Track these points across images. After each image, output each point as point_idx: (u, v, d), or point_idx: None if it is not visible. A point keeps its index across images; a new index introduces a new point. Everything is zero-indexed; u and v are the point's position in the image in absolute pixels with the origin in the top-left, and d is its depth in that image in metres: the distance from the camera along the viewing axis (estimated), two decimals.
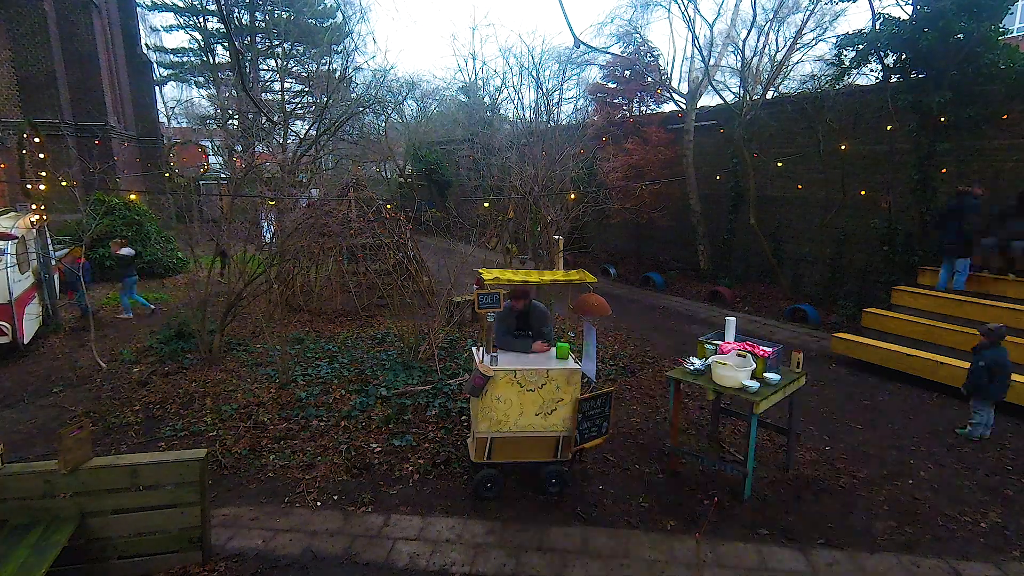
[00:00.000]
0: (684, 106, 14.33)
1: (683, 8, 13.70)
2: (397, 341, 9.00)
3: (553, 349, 5.19)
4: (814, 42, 14.58)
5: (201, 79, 28.74)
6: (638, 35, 15.18)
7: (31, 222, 9.65)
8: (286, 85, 27.52)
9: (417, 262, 12.26)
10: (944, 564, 4.21)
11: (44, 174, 10.07)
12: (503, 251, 16.86)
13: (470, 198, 22.36)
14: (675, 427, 5.36)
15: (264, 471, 5.44)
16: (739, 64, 13.52)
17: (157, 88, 25.40)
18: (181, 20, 27.24)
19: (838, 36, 10.42)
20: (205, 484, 4.05)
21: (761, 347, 5.24)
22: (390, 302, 11.12)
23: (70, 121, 16.03)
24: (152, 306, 11.37)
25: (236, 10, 25.92)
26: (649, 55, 15.22)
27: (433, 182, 23.59)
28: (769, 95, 13.43)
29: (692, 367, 5.25)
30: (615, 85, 15.80)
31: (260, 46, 26.63)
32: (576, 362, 5.22)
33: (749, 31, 13.20)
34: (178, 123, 28.41)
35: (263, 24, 26.73)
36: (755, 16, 12.85)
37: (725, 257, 13.97)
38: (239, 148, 19.96)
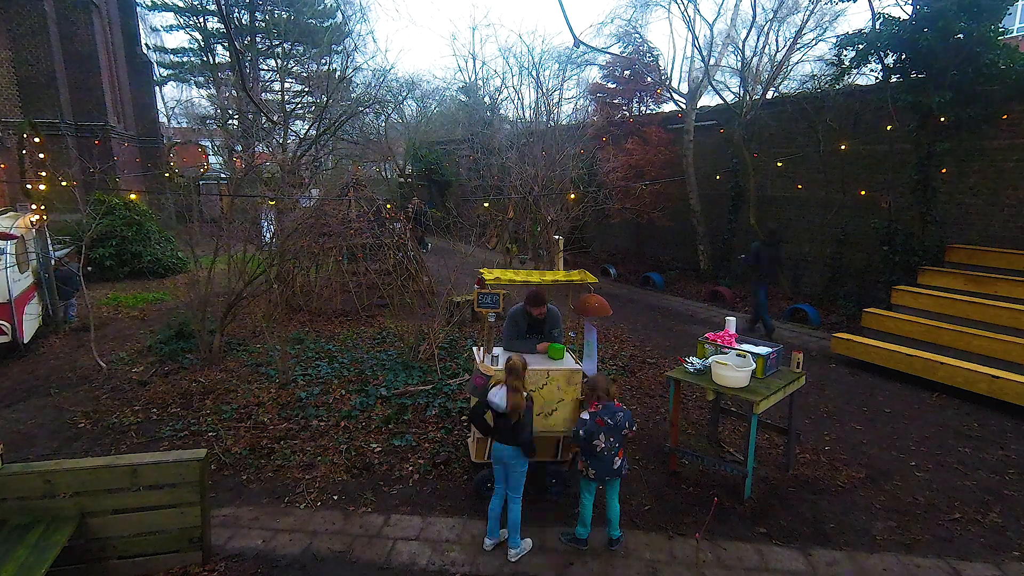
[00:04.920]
0: (684, 106, 14.32)
1: (683, 8, 13.70)
2: (397, 341, 9.00)
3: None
4: (814, 42, 14.53)
5: (201, 79, 28.72)
6: (638, 35, 15.17)
7: (31, 222, 9.65)
8: (286, 85, 27.50)
9: (417, 262, 12.27)
10: (944, 564, 4.21)
11: (44, 174, 10.08)
12: (503, 251, 16.87)
13: (470, 198, 22.36)
14: (675, 427, 5.35)
15: (264, 471, 5.44)
16: (739, 64, 13.51)
17: (157, 88, 25.42)
18: (181, 20, 27.24)
19: (838, 36, 10.41)
20: (205, 484, 4.06)
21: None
22: (390, 302, 11.13)
23: (70, 121, 16.04)
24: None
25: (236, 10, 25.92)
26: (649, 55, 15.20)
27: (433, 182, 23.60)
28: (769, 95, 13.41)
29: (692, 367, 5.25)
30: (615, 85, 15.79)
31: (260, 46, 26.62)
32: (576, 362, 5.22)
33: (749, 31, 13.20)
34: (178, 123, 28.40)
35: (263, 24, 26.72)
36: (755, 16, 12.84)
37: (725, 257, 13.97)
38: (239, 148, 19.97)
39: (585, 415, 4.20)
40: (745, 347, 5.31)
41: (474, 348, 5.69)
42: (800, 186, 12.01)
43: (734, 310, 11.63)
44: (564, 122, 18.18)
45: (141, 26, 23.81)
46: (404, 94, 25.43)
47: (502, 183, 16.07)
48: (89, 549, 3.93)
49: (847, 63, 10.13)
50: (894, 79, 9.76)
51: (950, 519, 4.75)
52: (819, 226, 11.90)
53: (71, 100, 16.20)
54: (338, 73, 21.24)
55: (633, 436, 4.14)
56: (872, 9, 9.82)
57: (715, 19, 16.97)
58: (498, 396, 4.19)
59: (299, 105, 26.76)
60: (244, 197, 12.25)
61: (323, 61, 25.92)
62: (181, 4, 26.44)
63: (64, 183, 10.13)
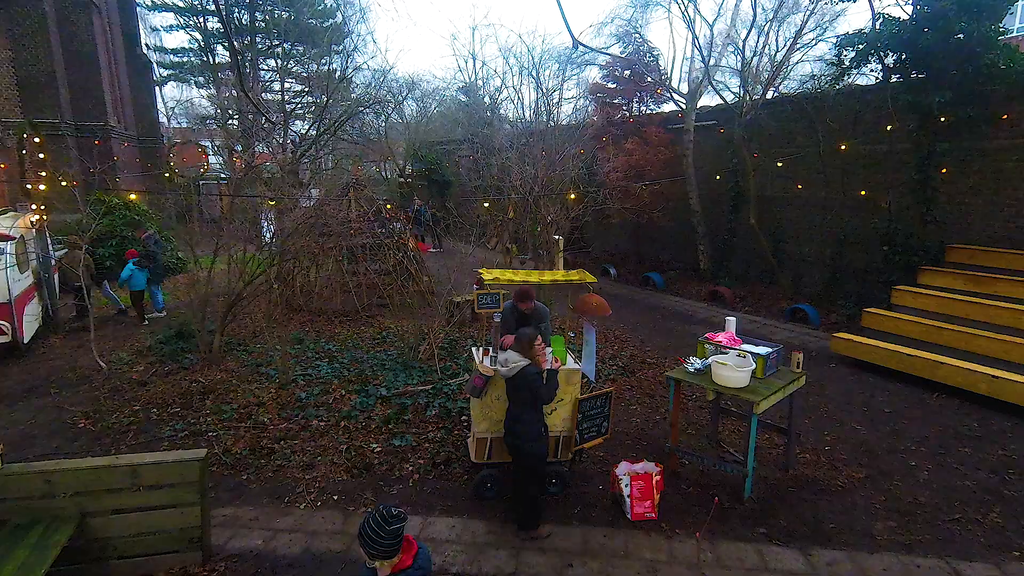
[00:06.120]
0: (684, 106, 14.32)
1: (683, 8, 13.70)
2: (397, 341, 9.00)
3: (549, 349, 5.19)
4: (814, 42, 14.50)
5: (201, 79, 28.71)
6: (638, 35, 15.16)
7: (31, 222, 9.65)
8: (286, 85, 27.48)
9: (417, 262, 12.26)
10: (944, 564, 4.21)
11: (44, 174, 10.07)
12: (503, 251, 16.86)
13: (470, 198, 22.35)
14: (675, 427, 5.35)
15: (264, 471, 5.44)
16: (739, 64, 13.51)
17: (157, 88, 25.39)
18: (181, 20, 27.22)
19: (838, 36, 10.40)
20: (205, 484, 4.06)
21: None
22: (390, 302, 11.12)
23: (70, 121, 16.03)
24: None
25: (236, 10, 25.90)
26: (649, 55, 15.19)
27: (433, 182, 23.59)
28: (769, 95, 13.41)
29: (692, 367, 5.25)
30: (615, 85, 15.78)
31: (260, 46, 26.60)
32: (576, 362, 5.22)
33: (749, 31, 13.19)
34: (178, 123, 28.38)
35: (263, 24, 26.70)
36: (755, 16, 12.84)
37: (725, 257, 13.96)
38: (239, 148, 19.96)
39: None
40: (745, 347, 5.32)
41: (474, 348, 5.69)
42: (800, 186, 12.00)
43: (734, 310, 11.63)
44: (564, 122, 18.19)
45: (141, 26, 23.78)
46: (404, 94, 25.41)
47: (502, 183, 16.07)
48: (89, 549, 3.92)
49: (847, 63, 10.12)
50: (894, 79, 9.76)
51: (950, 519, 4.75)
52: (819, 226, 11.90)
53: (71, 100, 16.18)
54: (338, 73, 21.25)
55: None
56: (872, 9, 9.83)
57: (715, 19, 16.95)
58: None
59: (299, 105, 26.74)
60: (244, 197, 12.25)
61: (323, 61, 25.92)
62: (181, 4, 26.43)
63: (64, 183, 10.12)
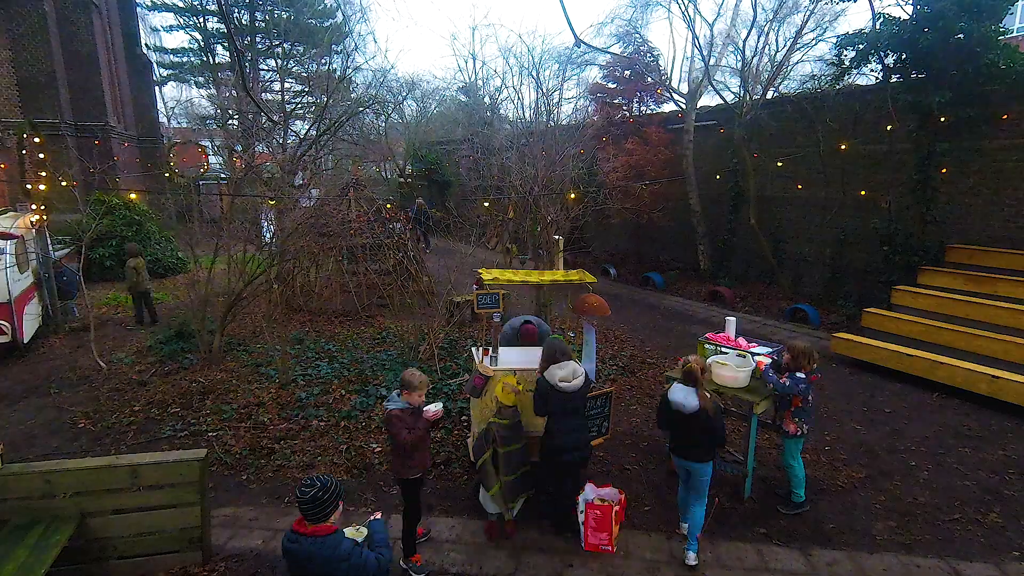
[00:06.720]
0: (684, 106, 14.32)
1: (683, 8, 13.69)
2: (397, 341, 9.00)
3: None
4: (814, 42, 14.52)
5: (201, 79, 28.73)
6: (638, 35, 15.16)
7: (31, 222, 9.65)
8: (286, 85, 27.47)
9: (417, 262, 12.26)
10: (944, 564, 4.21)
11: (44, 174, 10.08)
12: (503, 251, 16.86)
13: (470, 198, 22.34)
14: None
15: (264, 471, 5.44)
16: (739, 64, 13.51)
17: (157, 88, 25.41)
18: (181, 20, 27.24)
19: (838, 36, 10.40)
20: (205, 484, 4.06)
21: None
22: (390, 302, 11.12)
23: (70, 121, 16.03)
24: None
25: (236, 10, 25.90)
26: (649, 55, 15.19)
27: (433, 182, 23.59)
28: (769, 95, 13.41)
29: None
30: (615, 85, 15.78)
31: (260, 46, 26.60)
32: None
33: (749, 31, 13.18)
34: (178, 123, 28.38)
35: (263, 24, 26.71)
36: (755, 16, 12.83)
37: (725, 257, 13.96)
38: (239, 148, 19.95)
39: (801, 375, 4.58)
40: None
41: (474, 349, 5.69)
42: (800, 186, 12.00)
43: (734, 310, 11.63)
44: (564, 122, 18.17)
45: (141, 26, 23.80)
46: (404, 94, 25.40)
47: (502, 183, 16.06)
48: (89, 549, 3.93)
49: (847, 63, 10.12)
50: (894, 79, 9.75)
51: (950, 519, 4.75)
52: (819, 226, 11.90)
53: (71, 100, 16.17)
54: (338, 73, 21.23)
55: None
56: (872, 9, 9.82)
57: (715, 19, 16.97)
58: (681, 395, 4.13)
59: (299, 105, 26.72)
60: (244, 197, 12.24)
61: (323, 61, 25.89)
62: (181, 4, 26.44)
63: (64, 183, 10.12)
